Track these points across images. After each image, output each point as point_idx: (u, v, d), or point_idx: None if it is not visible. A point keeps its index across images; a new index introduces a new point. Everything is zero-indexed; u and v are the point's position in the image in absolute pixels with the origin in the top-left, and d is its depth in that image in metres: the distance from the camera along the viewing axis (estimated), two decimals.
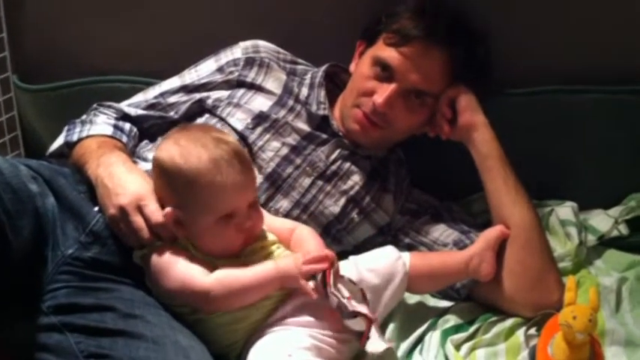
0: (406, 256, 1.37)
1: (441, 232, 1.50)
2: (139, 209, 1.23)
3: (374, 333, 1.20)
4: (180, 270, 1.20)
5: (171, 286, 1.21)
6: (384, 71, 1.45)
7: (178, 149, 1.23)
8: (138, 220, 1.23)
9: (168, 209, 1.23)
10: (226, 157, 1.22)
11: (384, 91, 1.44)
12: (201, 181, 1.20)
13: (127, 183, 1.27)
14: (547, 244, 1.45)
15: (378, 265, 1.33)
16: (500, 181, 1.45)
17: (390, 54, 1.45)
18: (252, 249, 1.27)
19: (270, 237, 1.31)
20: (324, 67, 1.59)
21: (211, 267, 1.22)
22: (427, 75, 1.44)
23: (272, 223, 1.34)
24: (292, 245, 1.32)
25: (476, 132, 1.47)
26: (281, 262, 1.20)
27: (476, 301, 1.45)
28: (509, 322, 1.37)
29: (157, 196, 1.25)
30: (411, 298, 1.44)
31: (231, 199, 1.22)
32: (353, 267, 1.32)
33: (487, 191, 1.47)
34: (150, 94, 1.59)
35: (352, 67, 1.57)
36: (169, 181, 1.23)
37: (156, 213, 1.23)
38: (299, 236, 1.33)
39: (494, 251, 1.39)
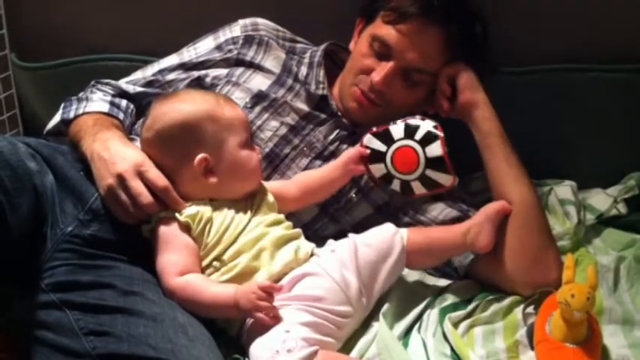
0: (403, 232, 1.37)
1: (439, 210, 1.50)
2: (139, 175, 1.24)
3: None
4: (162, 261, 1.23)
5: (157, 269, 1.24)
6: (382, 49, 1.45)
7: (181, 102, 1.30)
8: (137, 185, 1.23)
9: (200, 156, 1.26)
10: (222, 96, 1.36)
11: (381, 69, 1.44)
12: (219, 114, 1.29)
13: (124, 153, 1.27)
14: (547, 223, 1.45)
15: (374, 240, 1.34)
16: (501, 159, 1.44)
17: (387, 32, 1.45)
18: (259, 204, 1.31)
19: (272, 200, 1.35)
20: (323, 46, 1.58)
21: (221, 215, 1.26)
22: (425, 53, 1.44)
23: (272, 187, 1.38)
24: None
25: (476, 110, 1.47)
26: (239, 292, 1.18)
27: (474, 279, 1.45)
28: (507, 300, 1.37)
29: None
30: (410, 277, 1.45)
31: (243, 123, 1.33)
32: (351, 243, 1.32)
33: (488, 169, 1.47)
34: (148, 72, 1.59)
35: (352, 46, 1.56)
36: (187, 133, 1.27)
37: (160, 177, 1.24)
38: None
39: (494, 224, 1.38)
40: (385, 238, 1.35)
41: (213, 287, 1.21)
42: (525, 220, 1.41)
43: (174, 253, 1.23)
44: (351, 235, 1.35)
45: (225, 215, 1.27)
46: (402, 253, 1.35)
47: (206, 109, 1.28)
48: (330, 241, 1.35)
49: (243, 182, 1.31)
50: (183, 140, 1.27)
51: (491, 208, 1.40)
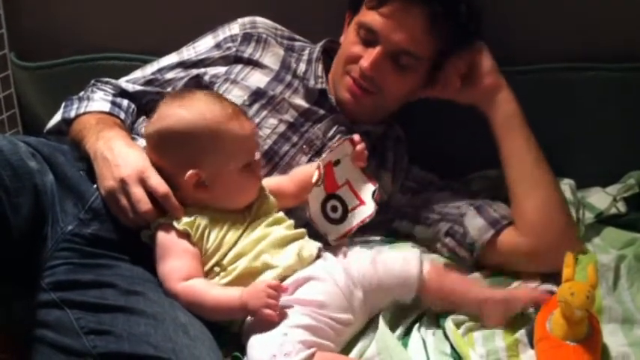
0: (426, 270, 1.31)
1: (449, 200, 1.51)
2: (141, 182, 1.23)
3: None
4: (165, 268, 1.23)
5: (159, 275, 1.23)
6: (369, 35, 1.45)
7: (186, 110, 1.25)
8: (138, 191, 1.23)
9: (190, 171, 1.24)
10: (234, 109, 1.28)
11: (369, 55, 1.44)
12: (222, 130, 1.24)
13: (127, 156, 1.27)
14: (566, 200, 1.50)
15: (393, 268, 1.30)
16: (522, 140, 1.47)
17: (372, 17, 1.44)
18: (257, 210, 1.30)
19: (272, 200, 1.34)
20: (321, 43, 1.59)
21: (219, 228, 1.25)
22: (410, 33, 1.43)
23: (270, 184, 1.37)
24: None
25: (500, 92, 1.49)
26: (245, 293, 1.18)
27: (490, 257, 1.44)
28: None
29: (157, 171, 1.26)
30: None
31: (250, 145, 1.29)
32: (372, 254, 1.31)
33: (507, 151, 1.48)
34: (147, 71, 1.59)
35: (342, 39, 1.56)
36: (185, 143, 1.24)
37: (161, 184, 1.24)
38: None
39: (510, 310, 1.32)
40: (405, 271, 1.29)
41: (217, 290, 1.21)
42: (549, 198, 1.44)
43: (176, 260, 1.22)
44: (376, 248, 1.35)
45: (224, 220, 1.26)
46: (414, 290, 1.30)
47: (209, 124, 1.24)
48: (345, 249, 1.34)
49: (235, 201, 1.29)
50: (179, 148, 1.25)
51: (514, 299, 1.32)
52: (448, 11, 1.44)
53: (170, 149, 1.26)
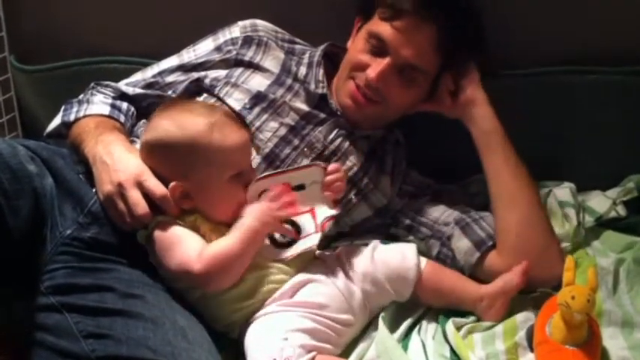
0: (423, 264, 1.34)
1: (441, 212, 1.51)
2: (138, 185, 1.23)
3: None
4: (179, 253, 1.20)
5: (172, 269, 1.21)
6: (378, 45, 1.45)
7: (172, 122, 1.24)
8: (135, 195, 1.22)
9: (173, 183, 1.23)
10: (221, 119, 1.25)
11: (377, 66, 1.44)
12: (204, 144, 1.22)
13: (128, 161, 1.26)
14: (548, 219, 1.47)
15: (392, 261, 1.32)
16: (500, 157, 1.45)
17: (383, 28, 1.44)
18: None
19: None
20: (322, 47, 1.58)
21: (219, 235, 1.23)
22: (419, 49, 1.43)
23: None
24: None
25: (475, 108, 1.48)
26: (253, 212, 1.20)
27: (480, 277, 1.43)
28: None
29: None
30: None
31: (236, 157, 1.25)
32: (369, 251, 1.32)
33: (487, 167, 1.47)
34: (148, 73, 1.59)
35: (349, 44, 1.56)
36: (170, 155, 1.24)
37: (158, 186, 1.23)
38: None
39: (507, 300, 1.35)
40: (403, 264, 1.32)
41: (232, 235, 1.20)
42: (527, 217, 1.42)
43: (186, 242, 1.20)
44: (372, 244, 1.35)
45: (221, 231, 1.24)
46: (412, 285, 1.32)
47: (187, 137, 1.22)
48: (342, 248, 1.34)
49: (223, 212, 1.26)
50: (164, 160, 1.25)
51: (510, 282, 1.35)
52: (458, 31, 1.45)
53: (157, 160, 1.26)
